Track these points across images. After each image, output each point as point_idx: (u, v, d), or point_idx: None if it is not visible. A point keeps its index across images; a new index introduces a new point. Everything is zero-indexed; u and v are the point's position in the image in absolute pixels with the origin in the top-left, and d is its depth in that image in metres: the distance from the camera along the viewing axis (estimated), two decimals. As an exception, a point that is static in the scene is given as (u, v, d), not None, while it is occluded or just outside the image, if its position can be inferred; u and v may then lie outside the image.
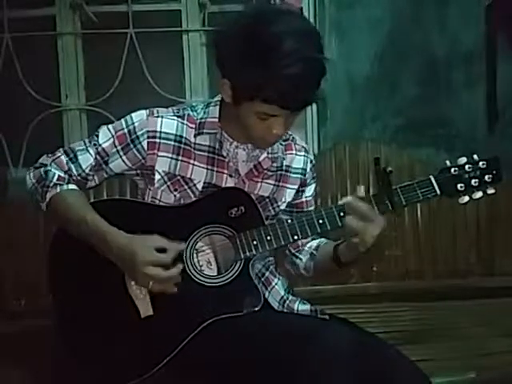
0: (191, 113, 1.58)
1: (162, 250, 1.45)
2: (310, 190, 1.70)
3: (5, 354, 1.84)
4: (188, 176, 1.55)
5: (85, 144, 1.57)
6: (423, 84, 2.67)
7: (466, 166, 1.48)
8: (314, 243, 1.68)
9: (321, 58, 1.40)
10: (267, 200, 1.61)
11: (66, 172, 1.55)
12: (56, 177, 1.53)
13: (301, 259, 1.68)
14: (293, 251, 1.70)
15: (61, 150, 1.58)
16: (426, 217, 2.40)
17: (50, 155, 1.58)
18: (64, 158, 1.56)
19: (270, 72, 1.34)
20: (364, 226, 1.40)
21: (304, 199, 1.69)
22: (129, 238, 1.46)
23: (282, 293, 1.64)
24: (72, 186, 1.55)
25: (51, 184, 1.52)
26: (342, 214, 1.46)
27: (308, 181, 1.68)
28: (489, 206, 2.36)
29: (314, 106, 2.68)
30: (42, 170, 1.55)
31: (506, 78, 2.65)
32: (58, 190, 1.52)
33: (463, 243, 2.42)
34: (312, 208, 1.69)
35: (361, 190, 1.43)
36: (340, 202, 1.46)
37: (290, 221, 1.50)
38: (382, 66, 2.64)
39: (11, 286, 2.23)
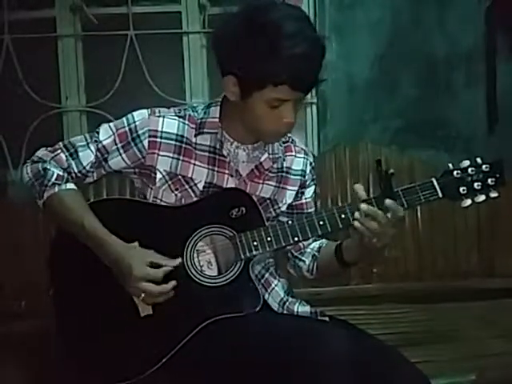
0: (192, 113, 1.58)
1: (156, 265, 1.46)
2: (309, 192, 1.70)
3: (5, 354, 1.84)
4: (189, 176, 1.55)
5: (86, 140, 1.56)
6: (423, 85, 2.67)
7: (469, 169, 1.48)
8: (316, 244, 1.68)
9: (320, 38, 1.44)
10: (268, 201, 1.62)
11: (65, 170, 1.54)
12: (55, 176, 1.52)
13: (304, 261, 1.69)
14: (295, 254, 1.70)
15: (60, 144, 1.58)
16: (426, 218, 2.40)
17: (49, 149, 1.57)
18: (63, 155, 1.55)
19: (278, 54, 1.37)
20: (383, 230, 1.42)
21: (304, 201, 1.69)
22: (126, 248, 1.47)
23: (282, 294, 1.64)
24: (70, 186, 1.54)
25: (49, 183, 1.52)
26: (342, 215, 1.47)
27: (308, 182, 1.69)
28: (489, 207, 2.35)
29: (314, 107, 2.69)
30: (40, 165, 1.54)
31: (506, 78, 2.65)
32: (56, 189, 1.52)
33: (463, 244, 2.42)
34: (312, 210, 1.69)
35: (360, 189, 1.46)
36: (356, 215, 1.45)
37: (290, 222, 1.51)
38: (381, 67, 2.64)
39: (11, 286, 2.23)
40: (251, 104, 1.45)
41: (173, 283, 1.46)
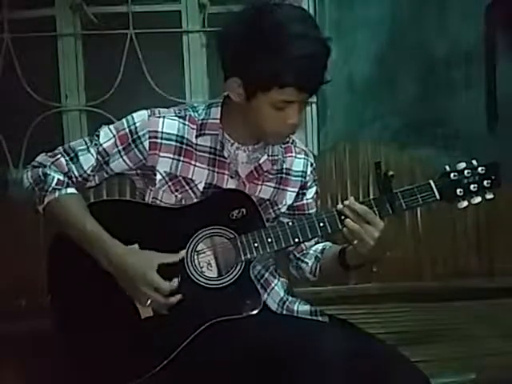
0: (192, 113, 1.58)
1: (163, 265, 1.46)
2: (310, 193, 1.69)
3: (5, 355, 1.84)
4: (189, 177, 1.55)
5: (86, 144, 1.55)
6: (423, 84, 2.67)
7: (465, 171, 1.49)
8: (320, 246, 1.68)
9: (326, 39, 1.44)
10: (267, 203, 1.61)
11: (65, 174, 1.53)
12: (55, 181, 1.51)
13: (306, 263, 1.68)
14: (297, 255, 1.69)
15: (60, 148, 1.56)
16: (425, 218, 2.40)
17: (49, 154, 1.56)
18: (64, 160, 1.54)
19: (283, 56, 1.37)
20: (363, 228, 1.42)
21: (305, 202, 1.68)
22: (129, 253, 1.46)
23: (282, 294, 1.64)
24: (71, 190, 1.53)
25: (50, 188, 1.51)
26: (342, 216, 1.47)
27: (309, 183, 1.68)
28: (488, 207, 2.36)
29: (314, 106, 2.69)
30: (40, 170, 1.53)
31: (506, 78, 2.65)
32: (57, 194, 1.51)
33: (463, 244, 2.43)
34: (313, 211, 1.69)
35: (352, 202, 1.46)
36: (339, 206, 1.47)
37: (290, 223, 1.50)
38: (381, 66, 2.64)
39: (11, 286, 2.22)
40: (256, 105, 1.45)
41: (178, 297, 1.46)
